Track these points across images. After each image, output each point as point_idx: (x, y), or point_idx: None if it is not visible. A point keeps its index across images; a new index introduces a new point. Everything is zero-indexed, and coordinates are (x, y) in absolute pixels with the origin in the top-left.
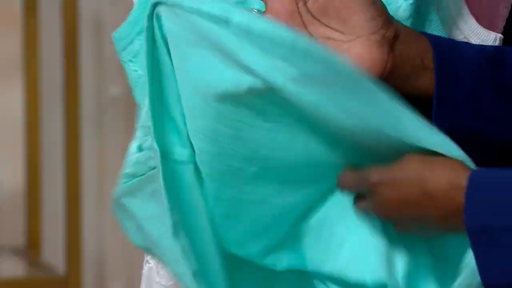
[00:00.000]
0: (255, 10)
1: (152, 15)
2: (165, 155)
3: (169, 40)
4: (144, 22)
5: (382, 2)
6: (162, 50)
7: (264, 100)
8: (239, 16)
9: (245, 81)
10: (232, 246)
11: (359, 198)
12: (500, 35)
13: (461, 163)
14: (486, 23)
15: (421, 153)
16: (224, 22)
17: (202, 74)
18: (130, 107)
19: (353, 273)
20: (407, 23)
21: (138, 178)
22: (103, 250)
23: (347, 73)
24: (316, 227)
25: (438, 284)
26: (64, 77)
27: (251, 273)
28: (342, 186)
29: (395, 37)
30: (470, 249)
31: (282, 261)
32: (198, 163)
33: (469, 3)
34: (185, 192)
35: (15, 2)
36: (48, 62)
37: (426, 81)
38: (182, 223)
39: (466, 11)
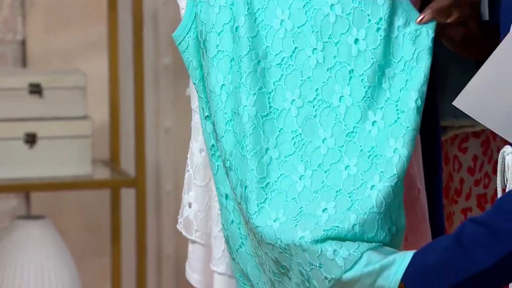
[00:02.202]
0: None
1: None
2: None
3: None
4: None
5: None
6: None
7: None
8: None
9: None
10: None
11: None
12: None
13: None
14: None
15: None
16: None
17: None
18: (176, 71)
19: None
20: None
21: None
22: (159, 161)
23: None
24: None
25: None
26: (133, 51)
27: None
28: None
29: None
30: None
31: None
32: None
33: None
34: None
35: (103, 1)
36: (124, 42)
37: None
38: None
39: None
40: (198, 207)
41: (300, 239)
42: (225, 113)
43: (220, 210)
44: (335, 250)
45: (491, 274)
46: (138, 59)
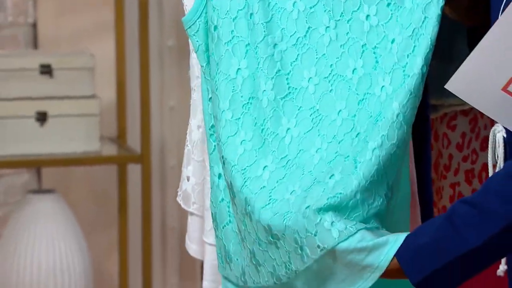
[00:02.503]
0: None
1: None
2: None
3: None
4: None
5: None
6: None
7: None
8: None
9: None
10: None
11: None
12: None
13: None
14: None
15: None
16: None
17: None
18: (180, 53)
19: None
20: None
21: None
22: (164, 138)
23: None
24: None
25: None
26: (139, 34)
27: None
28: None
29: None
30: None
31: None
32: None
33: None
34: None
35: None
36: (130, 24)
37: None
38: None
39: None
40: (195, 181)
41: (306, 208)
42: (242, 96)
43: (211, 188)
44: (333, 222)
45: (481, 252)
46: (144, 41)
